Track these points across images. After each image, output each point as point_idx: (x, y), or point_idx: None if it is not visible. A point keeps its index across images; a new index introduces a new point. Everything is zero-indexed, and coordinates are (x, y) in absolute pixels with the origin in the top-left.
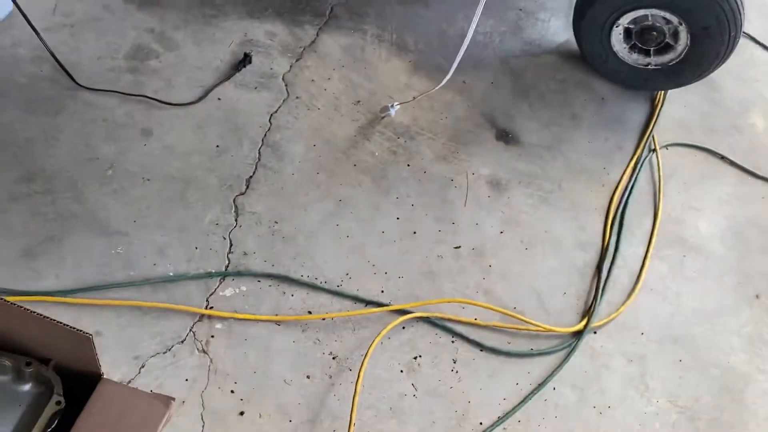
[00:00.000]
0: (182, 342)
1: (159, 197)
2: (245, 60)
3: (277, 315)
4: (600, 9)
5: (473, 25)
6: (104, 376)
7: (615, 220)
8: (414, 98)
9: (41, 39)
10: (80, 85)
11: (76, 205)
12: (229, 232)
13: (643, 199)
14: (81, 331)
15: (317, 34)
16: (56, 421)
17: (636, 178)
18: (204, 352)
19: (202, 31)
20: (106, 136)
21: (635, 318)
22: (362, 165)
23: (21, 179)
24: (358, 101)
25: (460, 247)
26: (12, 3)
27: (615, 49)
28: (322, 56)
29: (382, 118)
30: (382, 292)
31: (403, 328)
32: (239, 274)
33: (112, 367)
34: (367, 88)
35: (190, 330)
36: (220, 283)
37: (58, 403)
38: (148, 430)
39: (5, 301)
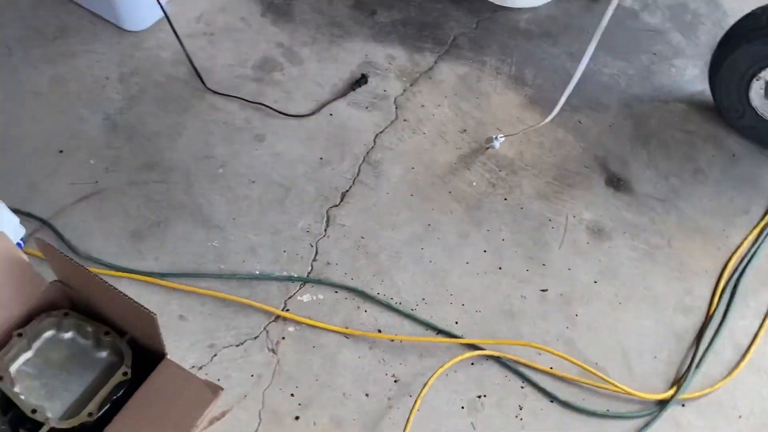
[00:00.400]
0: (255, 338)
1: (260, 199)
2: (361, 80)
3: (347, 328)
4: (740, 59)
5: (585, 60)
6: (168, 357)
7: (727, 288)
8: (521, 131)
9: (182, 44)
10: (209, 89)
11: (185, 197)
12: (317, 241)
13: (764, 268)
14: (147, 309)
15: (435, 62)
16: (120, 391)
17: (760, 245)
18: (273, 351)
19: (327, 49)
20: (223, 138)
21: (734, 397)
22: (458, 193)
23: (143, 167)
24: (465, 130)
25: (547, 290)
26: (161, 11)
27: (754, 104)
28: (437, 83)
29: (487, 148)
30: (456, 323)
31: (472, 364)
32: (319, 282)
33: (188, 351)
34: (475, 118)
35: (264, 328)
36: (300, 287)
37: (125, 374)
38: (193, 413)
39: (92, 273)
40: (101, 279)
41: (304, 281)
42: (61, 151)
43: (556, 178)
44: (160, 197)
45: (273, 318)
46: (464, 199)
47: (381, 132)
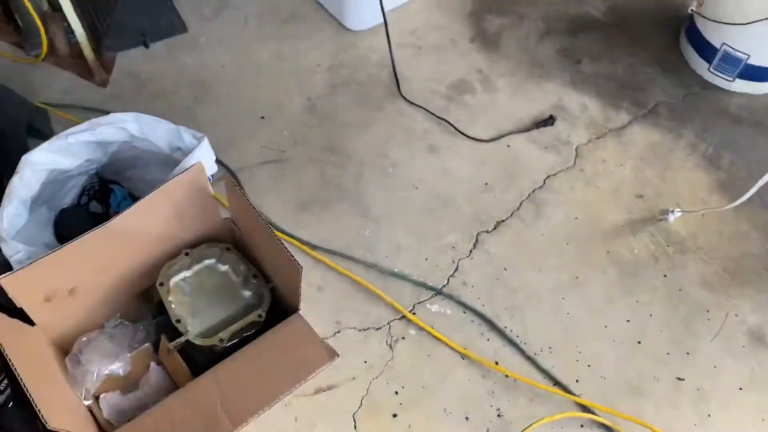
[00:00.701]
0: (378, 329)
1: (418, 205)
2: (549, 121)
3: (466, 349)
4: None
5: None
6: (299, 312)
7: None
8: (701, 211)
9: (391, 51)
10: (402, 96)
11: (353, 184)
12: (460, 259)
13: None
14: (297, 262)
15: (629, 122)
16: (252, 330)
17: None
18: (390, 347)
19: (522, 85)
20: (402, 142)
21: None
22: (615, 255)
23: (325, 149)
24: (641, 195)
25: (683, 380)
26: (382, 17)
27: None
28: (625, 143)
29: (659, 220)
30: (577, 381)
31: (581, 426)
32: (450, 297)
33: (316, 319)
34: (656, 187)
35: (389, 323)
36: (432, 297)
37: (260, 316)
38: (306, 369)
39: (262, 219)
40: (269, 226)
41: (437, 292)
42: (262, 117)
43: (727, 271)
44: (332, 178)
45: (399, 316)
46: (620, 264)
47: (554, 174)
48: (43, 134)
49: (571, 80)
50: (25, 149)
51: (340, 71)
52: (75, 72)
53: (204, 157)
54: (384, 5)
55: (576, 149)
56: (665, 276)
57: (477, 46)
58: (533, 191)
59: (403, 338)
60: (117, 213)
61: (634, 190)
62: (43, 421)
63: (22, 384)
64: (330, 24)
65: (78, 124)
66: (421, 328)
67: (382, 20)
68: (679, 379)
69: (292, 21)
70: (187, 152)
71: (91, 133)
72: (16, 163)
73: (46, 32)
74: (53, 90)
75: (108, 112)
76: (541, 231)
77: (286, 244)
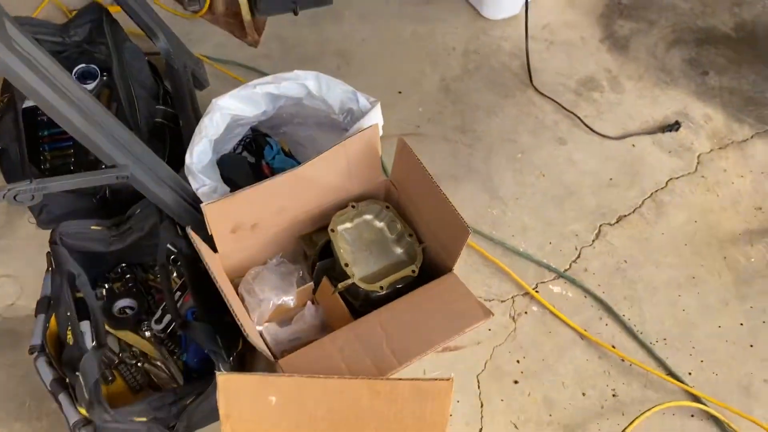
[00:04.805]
0: (502, 302)
1: (544, 192)
2: (674, 126)
3: (586, 330)
4: None
5: None
6: (453, 271)
7: None
8: None
9: (526, 41)
10: (533, 86)
11: (482, 165)
12: (582, 247)
13: None
14: (465, 223)
15: (752, 136)
16: (403, 284)
17: None
18: (513, 319)
19: (649, 89)
20: (531, 129)
21: None
22: (731, 261)
23: (457, 128)
24: (760, 208)
25: None
26: (523, 7)
27: None
28: (747, 156)
29: None
30: (690, 374)
31: (692, 415)
32: (573, 281)
33: None
34: None
35: (512, 298)
36: (554, 278)
37: (413, 271)
38: (461, 323)
39: (433, 180)
40: (437, 186)
41: (560, 275)
42: (400, 92)
43: None
44: (462, 157)
45: (523, 292)
46: (736, 270)
47: (676, 178)
48: (200, 82)
49: (697, 90)
50: (193, 93)
51: (473, 56)
52: (228, 30)
53: (377, 120)
54: None
55: (698, 156)
56: None
57: (607, 47)
58: (656, 191)
59: (526, 313)
60: (270, 164)
61: (753, 202)
62: (244, 333)
63: (226, 300)
64: (467, 11)
65: (230, 77)
66: (544, 306)
67: (517, 11)
68: None
69: (432, 3)
70: (358, 115)
71: (275, 86)
72: (188, 106)
73: None
74: (208, 44)
75: (259, 70)
76: (661, 230)
77: None
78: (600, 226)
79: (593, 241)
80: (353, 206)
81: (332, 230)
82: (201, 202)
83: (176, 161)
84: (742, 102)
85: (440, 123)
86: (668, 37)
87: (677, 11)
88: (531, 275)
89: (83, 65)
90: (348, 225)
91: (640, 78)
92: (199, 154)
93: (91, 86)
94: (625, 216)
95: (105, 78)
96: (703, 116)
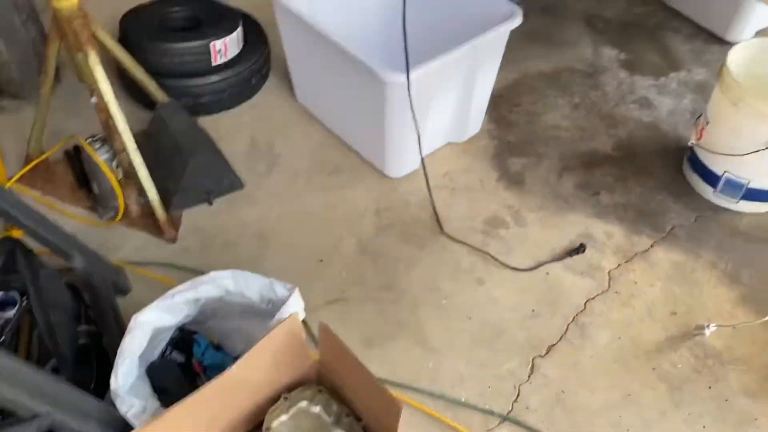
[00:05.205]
0: None
1: (474, 335)
2: (579, 249)
3: None
4: None
5: None
6: None
7: None
8: (734, 326)
9: (430, 193)
10: (444, 233)
11: (411, 318)
12: (520, 384)
13: None
14: (396, 399)
15: (652, 245)
16: None
17: None
18: None
19: (550, 218)
20: (450, 275)
21: None
22: (661, 372)
23: (382, 287)
24: (674, 313)
25: None
26: (420, 164)
27: None
28: (651, 265)
29: (695, 335)
30: None
31: None
32: (518, 423)
33: None
34: (686, 304)
35: None
36: (500, 423)
37: None
38: None
39: (357, 360)
40: (363, 366)
41: (504, 419)
42: (321, 260)
43: (766, 379)
44: (391, 314)
45: None
46: (667, 380)
47: (592, 299)
48: (123, 291)
49: (593, 212)
50: (115, 306)
51: (385, 214)
52: (146, 231)
53: (296, 307)
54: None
55: (608, 273)
56: (710, 388)
57: (504, 185)
58: (576, 315)
59: None
60: (200, 362)
61: (667, 308)
62: None
63: None
64: (371, 173)
65: (152, 278)
66: None
67: (418, 167)
68: None
69: (337, 173)
70: (278, 303)
71: (194, 291)
72: (110, 321)
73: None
74: (127, 249)
75: (180, 267)
76: (589, 353)
77: None
78: (533, 359)
79: (529, 376)
80: (285, 398)
81: (267, 429)
82: (131, 428)
83: (106, 380)
84: (635, 214)
85: (364, 284)
86: (557, 166)
87: (560, 140)
88: (477, 424)
89: (1, 293)
90: (284, 418)
91: (540, 208)
92: (125, 375)
93: (11, 313)
94: (554, 345)
95: (27, 301)
96: (605, 234)
